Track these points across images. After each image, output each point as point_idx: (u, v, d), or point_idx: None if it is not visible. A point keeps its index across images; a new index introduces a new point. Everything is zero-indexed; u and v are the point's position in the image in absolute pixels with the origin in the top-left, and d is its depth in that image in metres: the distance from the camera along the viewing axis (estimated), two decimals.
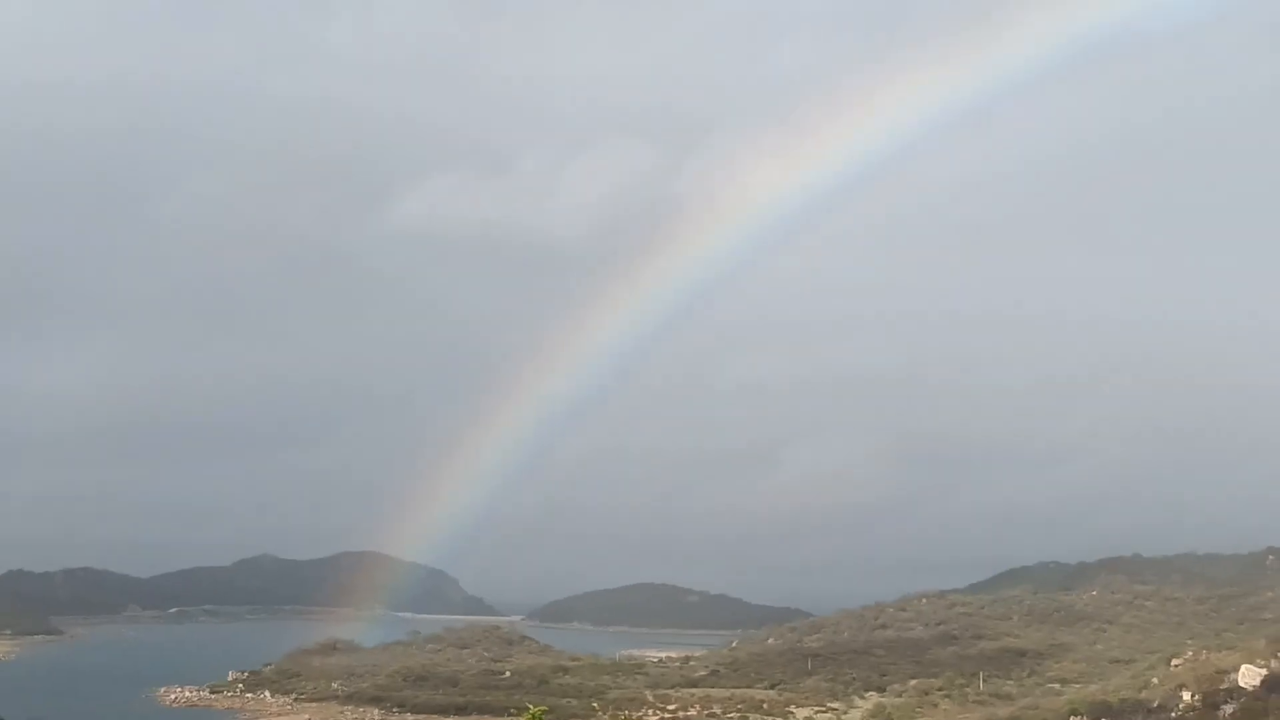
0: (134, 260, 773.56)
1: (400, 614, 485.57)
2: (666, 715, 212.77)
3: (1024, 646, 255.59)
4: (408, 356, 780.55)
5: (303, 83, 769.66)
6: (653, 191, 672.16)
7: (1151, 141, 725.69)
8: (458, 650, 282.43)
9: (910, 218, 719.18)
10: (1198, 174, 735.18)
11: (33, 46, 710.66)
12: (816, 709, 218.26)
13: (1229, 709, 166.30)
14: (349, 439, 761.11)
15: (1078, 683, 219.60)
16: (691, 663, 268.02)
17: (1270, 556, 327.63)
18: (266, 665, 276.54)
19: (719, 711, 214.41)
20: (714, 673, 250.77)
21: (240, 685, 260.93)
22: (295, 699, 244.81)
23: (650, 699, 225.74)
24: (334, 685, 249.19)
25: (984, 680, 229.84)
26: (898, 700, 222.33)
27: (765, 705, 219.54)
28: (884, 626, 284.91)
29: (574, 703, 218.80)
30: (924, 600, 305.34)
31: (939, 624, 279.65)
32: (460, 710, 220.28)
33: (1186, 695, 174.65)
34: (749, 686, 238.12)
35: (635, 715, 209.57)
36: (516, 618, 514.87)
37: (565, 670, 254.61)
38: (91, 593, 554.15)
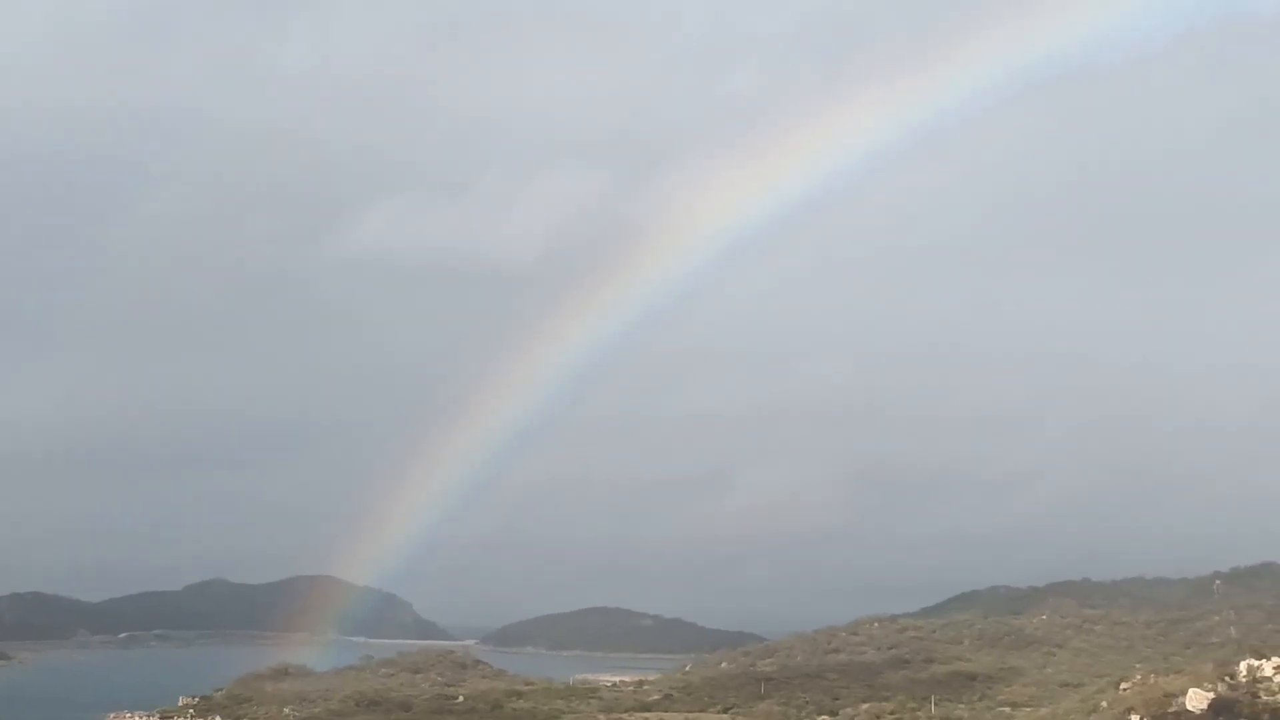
0: (83, 285, 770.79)
1: (353, 638, 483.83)
2: None
3: (975, 670, 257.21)
4: (360, 382, 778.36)
5: (256, 108, 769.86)
6: (606, 217, 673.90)
7: (1101, 172, 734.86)
8: (411, 675, 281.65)
9: (862, 245, 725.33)
10: (1145, 205, 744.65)
11: None
12: None
13: None
14: (301, 463, 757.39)
15: (1028, 706, 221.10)
16: (645, 686, 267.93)
17: (1217, 581, 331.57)
18: (218, 690, 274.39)
19: None
20: (667, 696, 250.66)
21: (191, 710, 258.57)
22: None
23: None
24: (286, 710, 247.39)
25: (935, 704, 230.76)
26: None
27: None
28: (836, 650, 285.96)
29: None
30: (876, 624, 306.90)
31: (891, 648, 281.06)
32: None
33: (1135, 718, 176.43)
34: (702, 710, 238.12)
35: None
36: (470, 642, 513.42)
37: (519, 694, 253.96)
38: (40, 617, 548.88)
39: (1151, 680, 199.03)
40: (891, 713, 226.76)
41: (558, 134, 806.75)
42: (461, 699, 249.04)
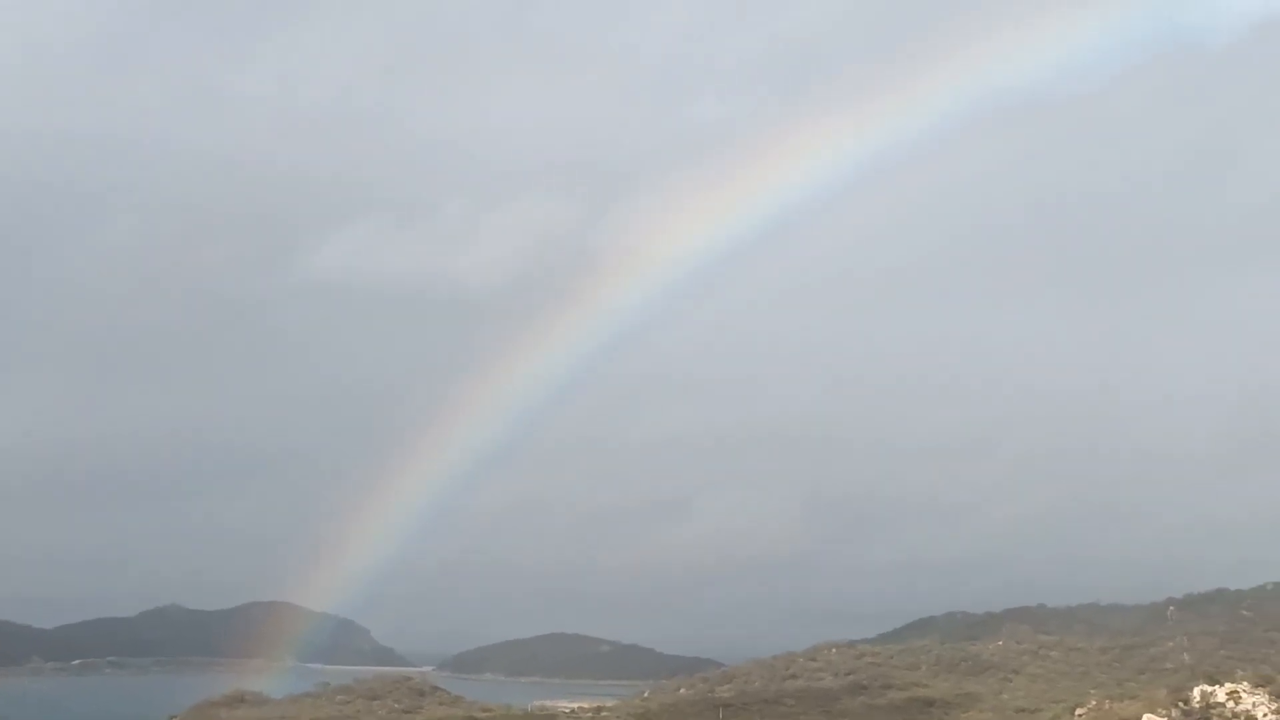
0: (37, 312, 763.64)
1: (310, 665, 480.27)
2: None
3: (932, 696, 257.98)
4: (320, 407, 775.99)
5: (215, 133, 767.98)
6: (568, 245, 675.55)
7: (1059, 202, 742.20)
8: (368, 701, 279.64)
9: (821, 273, 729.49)
10: (1102, 235, 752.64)
11: None
12: None
13: None
14: (259, 489, 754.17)
15: None
16: (604, 713, 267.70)
17: (1171, 608, 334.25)
18: (172, 718, 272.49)
19: None
20: None
21: None
22: None
23: None
24: None
25: None
26: None
27: None
28: (794, 676, 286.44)
29: None
30: (834, 650, 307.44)
31: (848, 674, 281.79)
32: None
33: None
34: None
35: None
36: (428, 668, 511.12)
37: None
38: None
39: (1107, 706, 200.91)
40: None
41: (520, 162, 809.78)
42: None
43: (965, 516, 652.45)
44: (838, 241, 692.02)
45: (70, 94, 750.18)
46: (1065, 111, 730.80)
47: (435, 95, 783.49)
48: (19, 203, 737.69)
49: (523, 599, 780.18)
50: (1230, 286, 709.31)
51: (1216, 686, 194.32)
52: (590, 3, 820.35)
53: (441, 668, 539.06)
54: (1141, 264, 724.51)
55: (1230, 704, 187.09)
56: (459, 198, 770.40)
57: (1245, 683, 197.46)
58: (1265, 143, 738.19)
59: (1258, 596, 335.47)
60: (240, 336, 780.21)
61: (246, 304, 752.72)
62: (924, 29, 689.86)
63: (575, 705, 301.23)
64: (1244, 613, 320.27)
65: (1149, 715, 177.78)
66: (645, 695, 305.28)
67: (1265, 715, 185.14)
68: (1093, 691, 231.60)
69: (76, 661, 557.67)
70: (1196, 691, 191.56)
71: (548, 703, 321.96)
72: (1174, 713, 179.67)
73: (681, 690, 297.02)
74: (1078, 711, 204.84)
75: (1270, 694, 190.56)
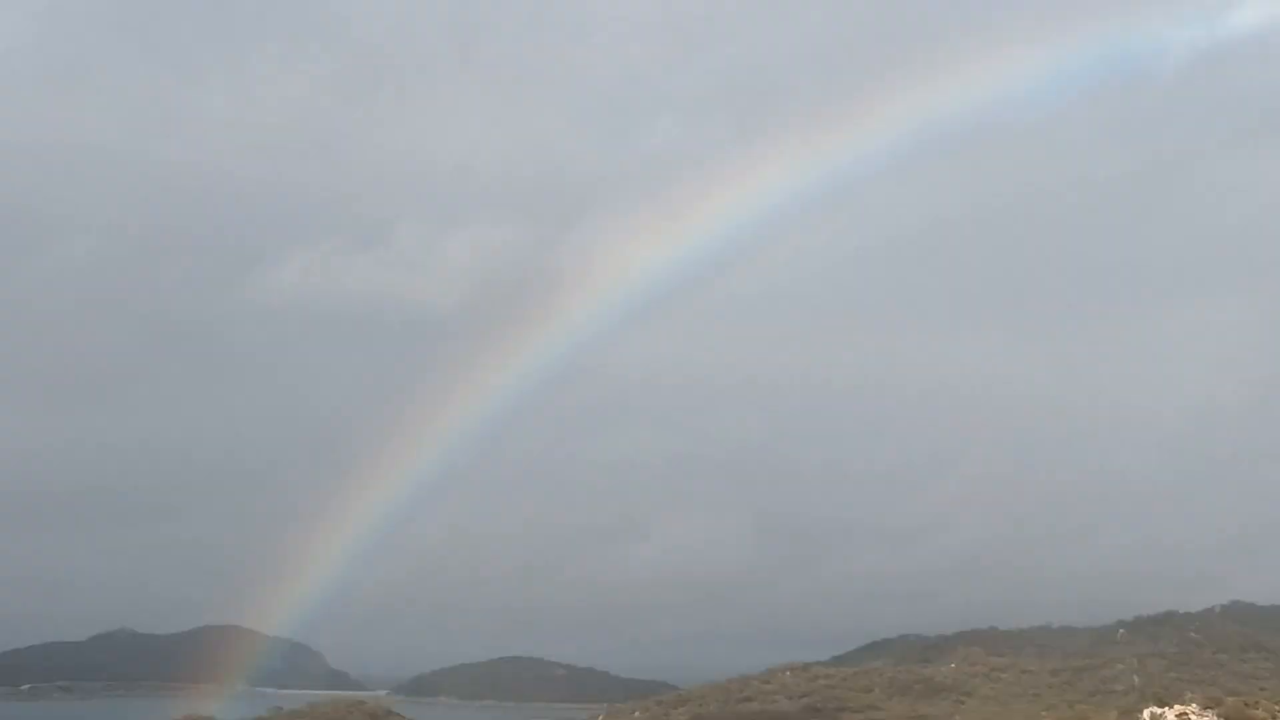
0: None
1: (262, 689, 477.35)
2: None
3: (886, 718, 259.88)
4: (273, 428, 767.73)
5: (171, 153, 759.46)
6: (525, 266, 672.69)
7: (1006, 226, 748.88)
8: None
9: (774, 299, 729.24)
10: (1049, 258, 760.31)
11: None
12: None
13: None
14: (211, 511, 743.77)
15: None
16: None
17: (1120, 630, 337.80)
18: None
19: None
20: None
21: None
22: None
23: None
24: None
25: None
26: None
27: None
28: (749, 699, 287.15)
29: None
30: (788, 672, 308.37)
31: (803, 696, 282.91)
32: None
33: None
34: None
35: None
36: (381, 692, 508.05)
37: None
38: None
39: None
40: None
41: (477, 184, 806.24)
42: None
43: (917, 539, 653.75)
44: (790, 267, 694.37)
45: (22, 111, 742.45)
46: (1018, 139, 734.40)
47: (392, 117, 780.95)
48: None
49: (477, 621, 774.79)
50: (1178, 311, 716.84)
51: (1166, 708, 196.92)
52: (548, 27, 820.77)
53: (396, 691, 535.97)
54: (1090, 289, 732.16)
55: None
56: (416, 219, 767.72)
57: (1194, 704, 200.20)
58: (1212, 170, 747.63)
59: (1205, 619, 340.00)
60: (193, 357, 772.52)
61: (200, 324, 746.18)
62: (878, 60, 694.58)
63: None
64: (1192, 635, 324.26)
65: None
66: (600, 719, 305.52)
67: None
68: (1045, 713, 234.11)
69: (25, 686, 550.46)
70: (1146, 713, 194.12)
71: None
72: None
73: (636, 714, 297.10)
74: None
75: (1219, 715, 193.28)
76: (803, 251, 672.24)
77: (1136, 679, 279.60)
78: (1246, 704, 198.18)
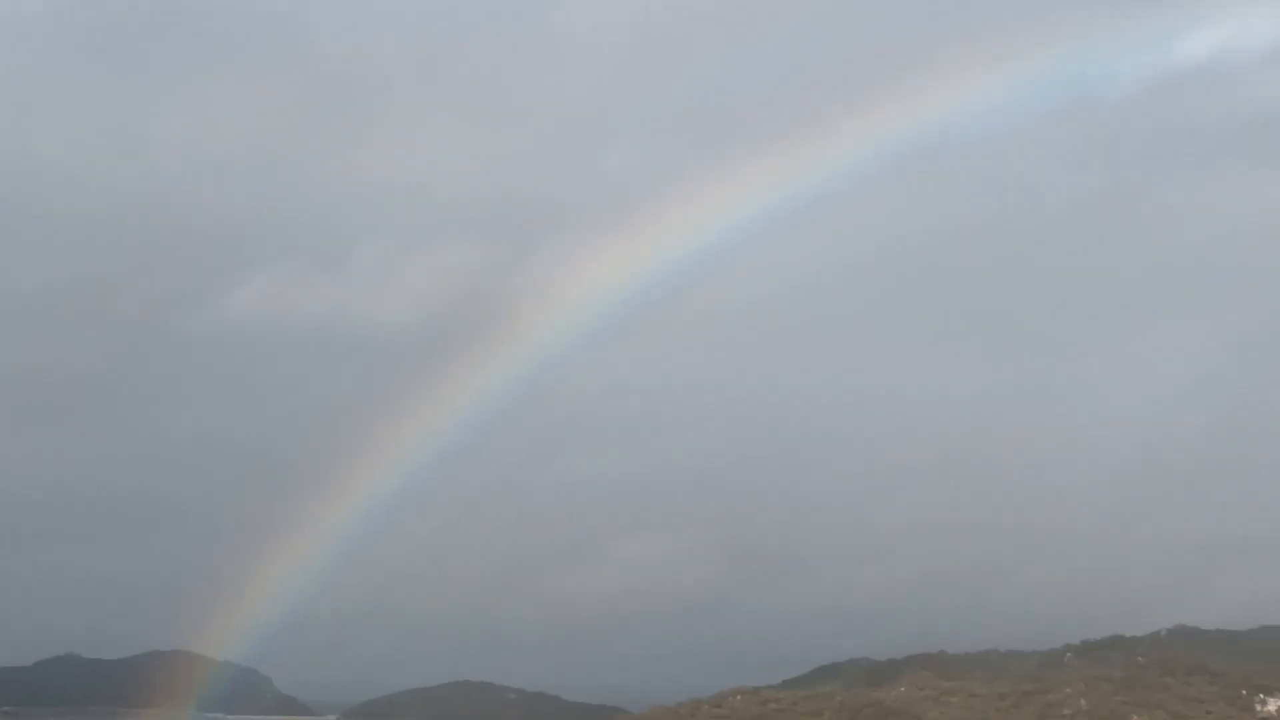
0: None
1: (211, 715, 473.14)
2: None
3: None
4: (227, 451, 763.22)
5: (129, 174, 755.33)
6: (488, 288, 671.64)
7: (966, 249, 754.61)
8: None
9: (737, 319, 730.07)
10: (1004, 280, 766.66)
11: None
12: None
13: None
14: (160, 534, 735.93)
15: None
16: None
17: (1068, 654, 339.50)
18: None
19: None
20: None
21: None
22: None
23: None
24: None
25: None
26: None
27: None
28: None
29: None
30: (739, 696, 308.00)
31: None
32: None
33: None
34: None
35: None
36: (332, 717, 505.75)
37: None
38: None
39: None
40: None
41: (438, 206, 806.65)
42: None
43: (869, 560, 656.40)
44: (752, 289, 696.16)
45: None
46: (974, 162, 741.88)
47: (353, 139, 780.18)
48: None
49: (430, 646, 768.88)
50: (1132, 332, 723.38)
51: None
52: (508, 50, 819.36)
53: (346, 717, 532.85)
54: (1047, 310, 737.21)
55: None
56: (376, 241, 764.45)
57: None
58: (1168, 195, 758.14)
59: (1152, 642, 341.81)
60: (149, 378, 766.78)
61: (156, 347, 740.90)
62: (838, 85, 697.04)
63: None
64: (1139, 659, 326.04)
65: None
66: None
67: None
68: None
69: None
70: None
71: None
72: None
73: None
74: None
75: None
76: (764, 273, 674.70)
77: (1084, 703, 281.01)
78: None
